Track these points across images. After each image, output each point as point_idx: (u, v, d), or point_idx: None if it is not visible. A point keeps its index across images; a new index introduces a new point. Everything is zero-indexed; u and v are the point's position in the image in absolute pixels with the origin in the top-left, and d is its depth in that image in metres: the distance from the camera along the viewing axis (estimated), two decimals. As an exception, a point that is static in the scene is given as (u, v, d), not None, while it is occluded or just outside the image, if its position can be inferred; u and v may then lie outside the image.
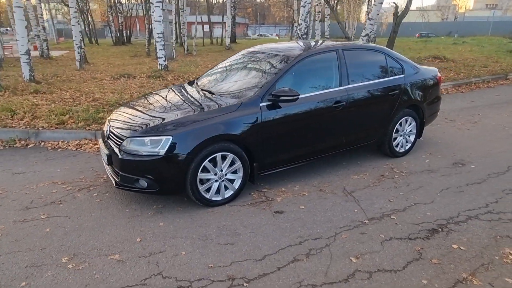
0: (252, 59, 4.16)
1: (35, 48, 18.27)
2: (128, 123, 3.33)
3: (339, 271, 2.41)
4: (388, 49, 4.52)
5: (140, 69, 11.60)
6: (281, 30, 61.14)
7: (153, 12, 10.18)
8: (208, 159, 3.11)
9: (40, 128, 5.14)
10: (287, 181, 3.85)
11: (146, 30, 22.36)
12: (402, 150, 4.56)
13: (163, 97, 3.88)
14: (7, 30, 40.96)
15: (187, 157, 2.99)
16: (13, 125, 5.24)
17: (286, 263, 2.50)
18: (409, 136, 4.59)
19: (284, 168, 3.68)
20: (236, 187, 3.36)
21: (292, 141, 3.59)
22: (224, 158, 3.21)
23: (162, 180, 3.04)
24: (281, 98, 3.29)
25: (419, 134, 4.70)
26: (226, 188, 3.33)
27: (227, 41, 24.69)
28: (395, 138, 4.44)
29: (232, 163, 3.28)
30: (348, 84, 3.87)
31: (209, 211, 3.21)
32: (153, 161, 2.96)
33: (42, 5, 14.92)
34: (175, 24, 21.52)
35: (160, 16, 9.63)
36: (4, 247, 2.66)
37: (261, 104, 3.33)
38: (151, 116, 3.35)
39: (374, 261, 2.52)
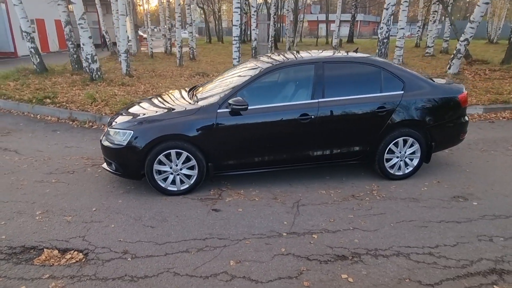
0: (245, 68, 4.45)
1: (174, 45, 20.37)
2: (121, 116, 4.10)
3: (209, 268, 2.64)
4: (390, 62, 4.17)
5: (227, 67, 12.72)
6: (413, 29, 56.13)
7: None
8: (163, 153, 3.62)
9: (103, 114, 6.49)
10: (254, 184, 4.06)
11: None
12: (400, 173, 4.18)
13: (161, 98, 4.55)
14: (154, 28, 48.75)
15: (143, 150, 3.58)
16: (88, 110, 6.74)
17: (176, 251, 2.85)
18: (411, 160, 4.16)
19: (244, 172, 3.92)
20: (192, 182, 3.79)
21: (250, 148, 3.79)
22: (179, 154, 3.67)
23: (124, 166, 3.71)
24: (233, 106, 3.56)
25: (426, 158, 4.21)
26: (182, 181, 3.79)
27: (335, 41, 24.36)
28: (389, 159, 4.11)
29: (188, 160, 3.71)
30: (323, 97, 3.82)
31: (163, 199, 3.74)
32: (119, 149, 3.65)
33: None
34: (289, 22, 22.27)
35: (238, 20, 10.41)
36: (12, 196, 3.74)
37: (219, 111, 3.65)
38: (134, 112, 4.04)
39: (247, 269, 2.64)
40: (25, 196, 3.76)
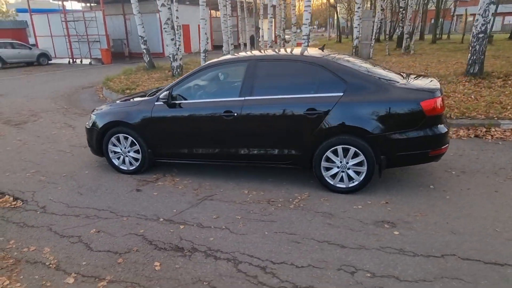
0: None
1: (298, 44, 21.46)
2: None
3: (73, 230, 3.15)
4: (334, 61, 3.69)
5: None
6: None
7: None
8: (114, 136, 4.29)
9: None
10: (196, 175, 4.30)
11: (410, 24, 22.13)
12: (342, 185, 3.72)
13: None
14: (313, 27, 50.33)
15: (99, 132, 4.32)
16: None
17: (70, 214, 3.46)
18: (358, 174, 3.65)
19: (184, 161, 4.22)
20: (137, 164, 4.33)
21: (182, 140, 4.07)
22: (126, 138, 4.27)
23: (90, 144, 4.54)
24: (161, 100, 3.93)
25: (378, 173, 3.61)
26: (131, 163, 4.38)
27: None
28: (329, 168, 3.72)
29: (134, 145, 4.27)
30: (251, 96, 3.76)
31: (115, 175, 4.41)
32: (87, 130, 4.51)
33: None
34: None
35: (307, 19, 10.19)
36: (21, 156, 5.07)
37: (156, 103, 4.07)
38: (112, 103, 4.83)
39: (97, 238, 3.03)
40: (27, 160, 5.02)
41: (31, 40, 24.17)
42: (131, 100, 4.46)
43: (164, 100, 3.93)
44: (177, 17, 11.49)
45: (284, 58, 3.90)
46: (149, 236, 3.07)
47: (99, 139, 4.38)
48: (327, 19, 53.36)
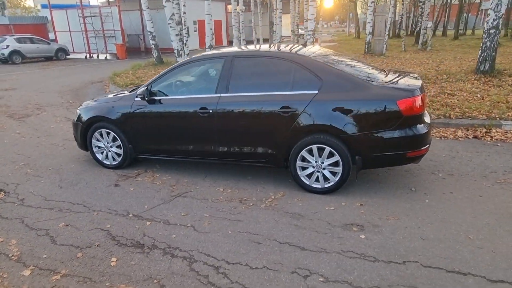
0: None
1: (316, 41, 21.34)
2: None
3: (43, 223, 3.21)
4: (310, 58, 3.58)
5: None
6: None
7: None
8: (97, 131, 4.35)
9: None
10: (177, 172, 4.31)
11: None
12: (318, 186, 3.63)
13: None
14: (335, 22, 49.49)
15: (82, 126, 4.38)
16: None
17: (45, 207, 3.52)
18: (334, 174, 3.56)
19: (163, 158, 4.23)
20: (119, 159, 4.38)
21: (161, 136, 4.07)
22: (108, 134, 4.31)
23: (76, 138, 4.61)
24: (138, 96, 3.94)
25: (354, 174, 3.51)
26: (114, 158, 4.42)
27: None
28: (305, 168, 3.64)
29: (116, 140, 4.31)
30: (227, 92, 3.72)
31: (98, 169, 4.46)
32: (73, 124, 4.58)
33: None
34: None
35: (312, 14, 10.01)
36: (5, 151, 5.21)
37: (136, 99, 4.09)
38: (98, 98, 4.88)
39: (64, 231, 3.08)
40: (20, 152, 5.17)
41: (51, 36, 24.88)
42: (116, 95, 4.50)
43: (141, 96, 3.94)
44: (184, 13, 11.53)
45: (259, 54, 3.83)
46: (114, 231, 3.09)
47: (83, 133, 4.44)
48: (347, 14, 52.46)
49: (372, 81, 3.44)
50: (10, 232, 3.12)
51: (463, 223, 3.06)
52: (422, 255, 2.66)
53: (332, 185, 3.58)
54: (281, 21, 17.14)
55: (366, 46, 15.49)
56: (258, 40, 24.16)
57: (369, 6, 15.03)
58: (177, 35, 10.26)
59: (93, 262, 2.70)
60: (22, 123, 6.85)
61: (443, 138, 5.28)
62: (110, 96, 4.53)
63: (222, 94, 3.72)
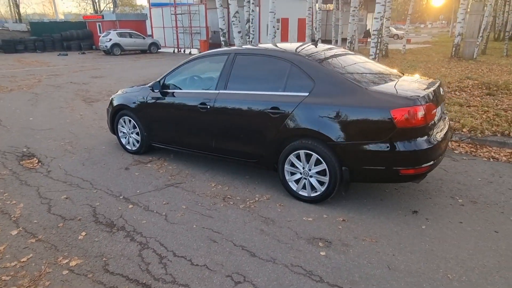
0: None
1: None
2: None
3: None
4: (307, 58, 3.34)
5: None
6: None
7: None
8: (121, 118, 4.77)
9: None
10: (183, 162, 4.50)
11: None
12: (304, 194, 3.44)
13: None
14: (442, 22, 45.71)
15: (112, 112, 4.86)
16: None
17: (62, 181, 4.03)
18: (322, 184, 3.33)
19: (175, 149, 4.43)
20: (138, 145, 4.74)
21: (168, 127, 4.29)
22: (130, 121, 4.70)
23: (107, 123, 5.12)
24: (152, 88, 4.21)
25: (343, 185, 3.23)
26: (134, 144, 4.81)
27: None
28: (293, 173, 3.49)
29: (135, 127, 4.68)
30: (225, 89, 3.74)
31: (122, 153, 4.89)
32: (107, 110, 5.10)
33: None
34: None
35: (379, 12, 9.22)
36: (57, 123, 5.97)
37: (150, 90, 4.37)
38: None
39: (50, 208, 3.49)
40: (72, 131, 5.90)
41: (149, 31, 27.70)
42: (139, 86, 4.88)
43: (150, 88, 4.20)
44: (253, 11, 11.76)
45: (258, 52, 3.74)
46: (99, 209, 3.38)
47: (112, 119, 4.92)
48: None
49: (367, 86, 3.10)
50: (24, 197, 3.65)
51: (452, 259, 2.59)
52: (377, 286, 2.34)
53: (317, 195, 3.35)
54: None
55: (454, 49, 13.81)
56: (336, 41, 23.30)
57: (461, 3, 13.34)
58: (239, 32, 10.53)
59: (66, 232, 3.00)
60: (89, 106, 7.84)
61: (491, 160, 4.48)
62: (136, 87, 4.91)
63: (220, 91, 3.76)
